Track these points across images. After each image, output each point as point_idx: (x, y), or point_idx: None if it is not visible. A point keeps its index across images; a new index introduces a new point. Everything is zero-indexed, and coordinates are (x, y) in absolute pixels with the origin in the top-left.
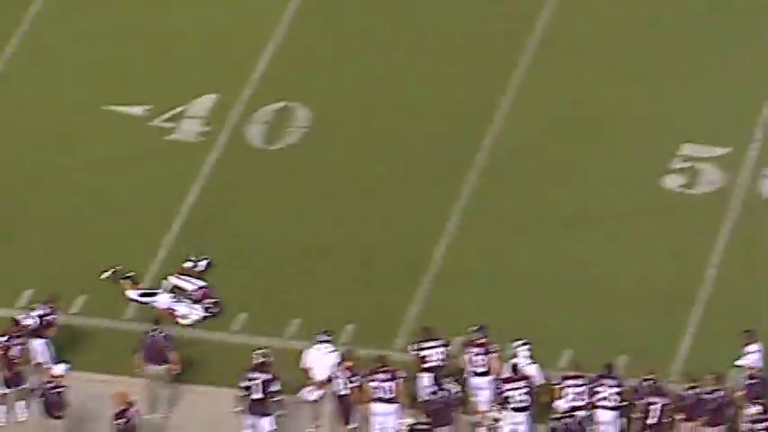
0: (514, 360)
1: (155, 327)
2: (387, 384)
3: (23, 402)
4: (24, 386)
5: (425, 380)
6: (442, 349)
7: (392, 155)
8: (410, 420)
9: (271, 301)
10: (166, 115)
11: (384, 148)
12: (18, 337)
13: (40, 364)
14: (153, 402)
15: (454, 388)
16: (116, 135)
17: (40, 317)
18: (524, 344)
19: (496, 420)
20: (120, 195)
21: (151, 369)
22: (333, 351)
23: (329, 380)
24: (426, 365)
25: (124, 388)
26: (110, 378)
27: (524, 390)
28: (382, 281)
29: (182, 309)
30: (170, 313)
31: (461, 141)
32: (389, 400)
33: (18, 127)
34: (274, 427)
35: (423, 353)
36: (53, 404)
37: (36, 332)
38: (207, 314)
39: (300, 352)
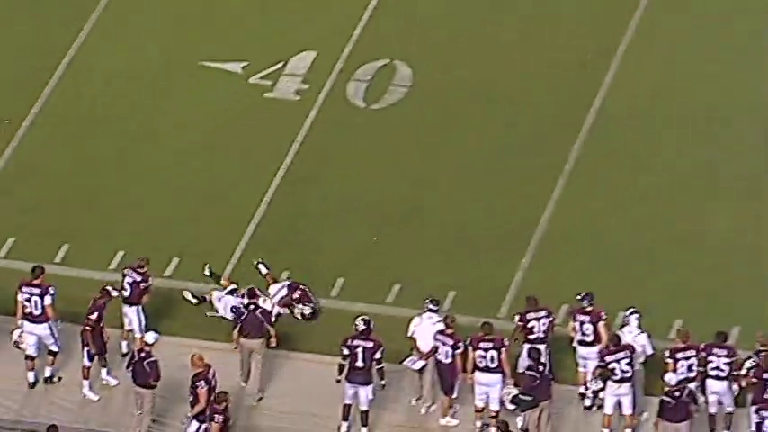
0: (620, 330)
1: (251, 301)
2: (491, 353)
3: (105, 369)
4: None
5: (526, 351)
6: (545, 321)
7: (496, 117)
8: (514, 391)
9: (369, 265)
10: (264, 72)
11: (488, 110)
12: (104, 307)
13: (131, 331)
14: (249, 374)
15: (548, 360)
16: (212, 92)
17: (131, 285)
18: (634, 312)
19: (595, 393)
20: (216, 154)
21: (247, 343)
22: (439, 321)
23: (434, 350)
24: (531, 336)
25: (202, 351)
26: (208, 344)
27: (627, 360)
28: (486, 246)
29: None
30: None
31: (568, 103)
32: (494, 370)
33: (111, 83)
34: (372, 397)
35: (528, 323)
36: (144, 373)
37: (128, 300)
38: (302, 319)
39: (400, 318)
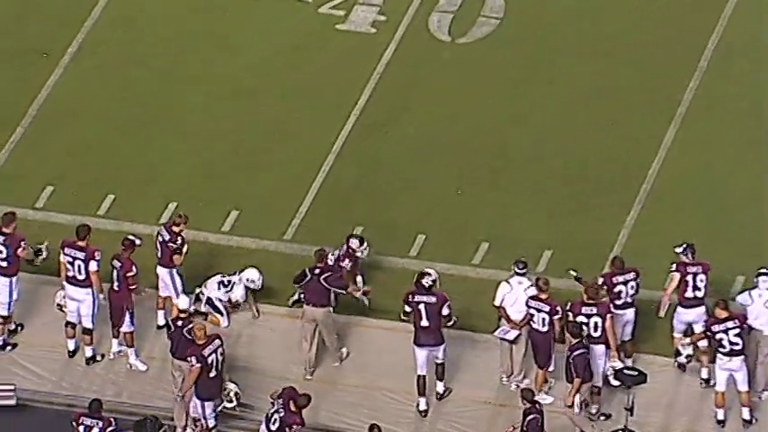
0: (748, 294)
1: (316, 265)
2: (594, 320)
3: (133, 350)
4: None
5: (566, 326)
6: (633, 284)
7: (599, 53)
8: (618, 364)
9: (454, 220)
10: (336, 1)
11: (590, 45)
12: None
13: (167, 298)
14: (315, 346)
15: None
16: (278, 23)
17: (161, 244)
18: (763, 274)
19: (690, 358)
20: (281, 93)
21: (310, 312)
22: (530, 285)
23: (529, 317)
24: (618, 302)
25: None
26: (269, 309)
27: (736, 331)
28: (586, 199)
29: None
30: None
31: (682, 40)
32: (596, 340)
33: (163, 11)
34: (444, 357)
35: (615, 288)
36: (185, 343)
37: (159, 261)
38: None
39: (489, 281)
